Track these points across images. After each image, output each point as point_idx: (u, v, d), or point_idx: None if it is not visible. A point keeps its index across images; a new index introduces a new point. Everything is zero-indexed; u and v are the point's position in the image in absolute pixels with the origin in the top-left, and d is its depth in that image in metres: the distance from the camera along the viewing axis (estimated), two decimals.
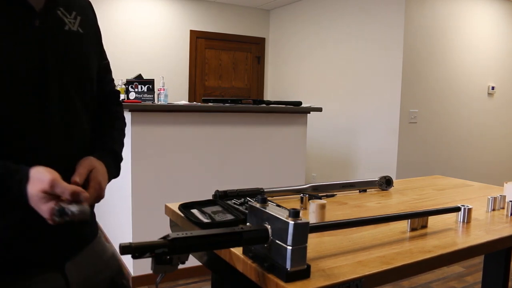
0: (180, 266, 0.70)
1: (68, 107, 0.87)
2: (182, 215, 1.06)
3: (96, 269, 0.97)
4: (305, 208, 1.19)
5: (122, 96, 2.93)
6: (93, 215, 0.99)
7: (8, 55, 0.77)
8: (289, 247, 0.69)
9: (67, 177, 0.80)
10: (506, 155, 4.89)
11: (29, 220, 0.79)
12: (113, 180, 1.01)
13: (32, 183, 0.74)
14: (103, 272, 0.99)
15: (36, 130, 0.82)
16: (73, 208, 0.73)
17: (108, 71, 1.10)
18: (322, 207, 1.04)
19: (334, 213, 1.15)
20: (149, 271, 0.67)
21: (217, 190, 1.18)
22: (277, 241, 0.72)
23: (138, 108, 2.51)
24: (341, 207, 1.23)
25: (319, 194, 1.30)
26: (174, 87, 5.13)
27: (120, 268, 1.06)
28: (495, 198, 1.27)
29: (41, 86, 0.82)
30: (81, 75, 0.92)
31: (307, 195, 1.22)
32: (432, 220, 1.07)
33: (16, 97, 0.79)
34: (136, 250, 0.63)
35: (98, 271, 0.97)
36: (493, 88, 4.59)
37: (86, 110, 0.94)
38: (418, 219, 1.03)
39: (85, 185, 0.83)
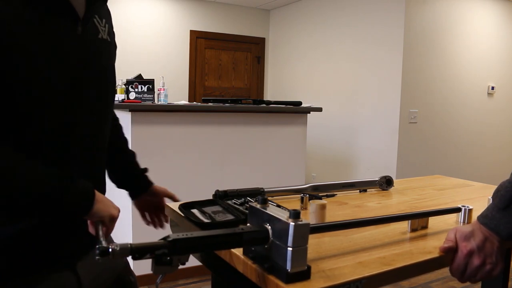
0: (180, 266, 0.70)
1: (97, 116, 0.89)
2: (182, 215, 1.05)
3: (104, 266, 0.97)
4: (305, 208, 1.18)
5: (122, 96, 2.93)
6: None
7: (49, 62, 0.75)
8: (290, 248, 0.69)
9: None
10: (506, 155, 4.89)
11: (47, 225, 0.81)
12: None
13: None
14: (110, 269, 1.00)
15: (68, 138, 0.82)
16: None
17: None
18: (323, 207, 1.04)
19: (335, 213, 1.15)
20: (149, 271, 0.67)
21: (217, 190, 1.18)
22: (277, 242, 0.72)
23: (138, 108, 2.51)
24: (341, 207, 1.23)
25: (319, 194, 1.30)
26: (174, 87, 5.13)
27: (126, 265, 1.07)
28: None
29: (77, 94, 0.81)
30: (108, 85, 0.93)
31: (307, 195, 1.21)
32: (432, 220, 1.07)
33: (50, 106, 0.77)
34: (136, 251, 0.63)
35: (105, 268, 0.98)
36: (493, 88, 4.59)
37: (109, 119, 0.98)
38: (419, 219, 1.03)
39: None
